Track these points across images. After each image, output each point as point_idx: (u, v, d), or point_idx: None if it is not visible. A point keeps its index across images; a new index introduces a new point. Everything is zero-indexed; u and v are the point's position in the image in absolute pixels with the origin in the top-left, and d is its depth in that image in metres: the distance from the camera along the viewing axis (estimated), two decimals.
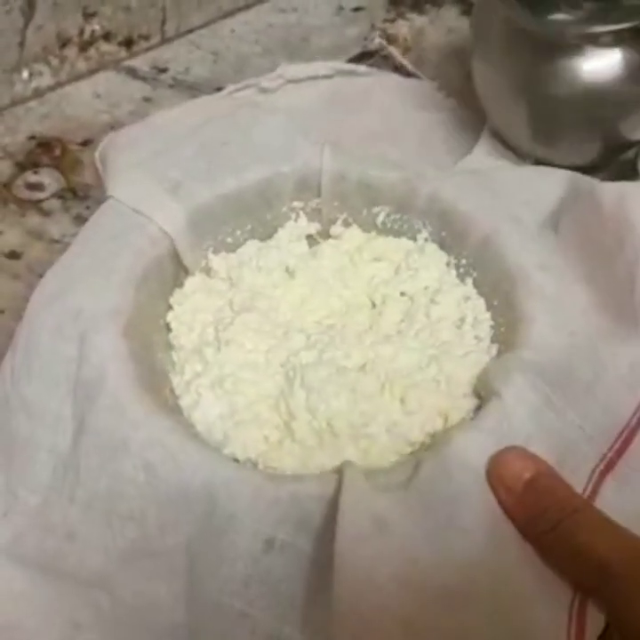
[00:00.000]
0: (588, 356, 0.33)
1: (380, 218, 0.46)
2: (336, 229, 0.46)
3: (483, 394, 0.37)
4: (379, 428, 0.36)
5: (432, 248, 0.44)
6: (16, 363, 0.37)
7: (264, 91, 0.54)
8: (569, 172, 0.43)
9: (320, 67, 0.57)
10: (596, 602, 0.27)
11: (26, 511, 0.34)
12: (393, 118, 0.49)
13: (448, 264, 0.44)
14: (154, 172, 0.44)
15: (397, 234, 0.45)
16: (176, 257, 0.43)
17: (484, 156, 0.50)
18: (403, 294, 0.43)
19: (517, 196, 0.43)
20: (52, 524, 0.33)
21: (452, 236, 0.43)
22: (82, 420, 0.35)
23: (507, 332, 0.39)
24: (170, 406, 0.37)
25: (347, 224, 0.46)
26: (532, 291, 0.38)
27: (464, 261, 0.43)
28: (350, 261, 0.45)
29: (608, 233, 0.38)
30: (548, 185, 0.43)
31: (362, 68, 0.59)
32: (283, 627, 0.30)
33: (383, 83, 0.58)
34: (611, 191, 0.38)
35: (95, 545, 0.33)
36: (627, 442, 0.31)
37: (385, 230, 0.46)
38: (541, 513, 0.29)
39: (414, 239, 0.45)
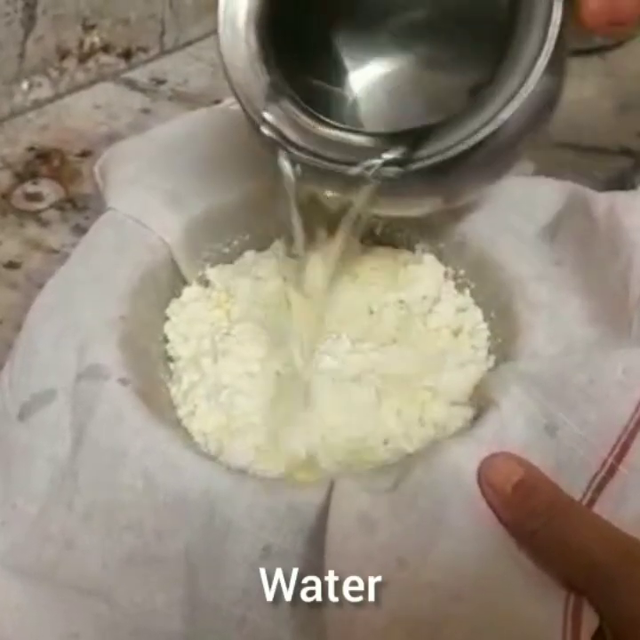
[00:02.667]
0: (583, 363, 0.34)
1: (378, 229, 0.46)
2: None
3: (480, 404, 0.37)
4: (375, 441, 0.36)
5: (430, 259, 0.44)
6: (15, 373, 0.37)
7: None
8: (565, 183, 0.43)
9: None
10: (589, 601, 0.27)
11: (24, 520, 0.34)
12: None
13: (445, 275, 0.44)
14: (153, 184, 0.44)
15: (395, 245, 0.46)
16: (174, 267, 0.43)
17: None
18: (401, 302, 0.43)
19: (514, 207, 0.43)
20: (51, 533, 0.33)
21: (449, 247, 0.44)
22: (81, 429, 0.35)
23: (504, 342, 0.39)
24: (167, 416, 0.38)
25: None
26: (528, 301, 0.39)
27: (462, 272, 0.43)
28: (348, 270, 0.45)
29: (601, 241, 0.38)
30: (545, 195, 0.43)
31: None
32: (282, 631, 0.30)
33: None
34: (604, 201, 0.39)
35: (94, 553, 0.33)
36: (625, 446, 0.31)
37: (383, 241, 0.46)
38: (529, 513, 0.29)
39: (412, 250, 0.45)
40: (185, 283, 0.44)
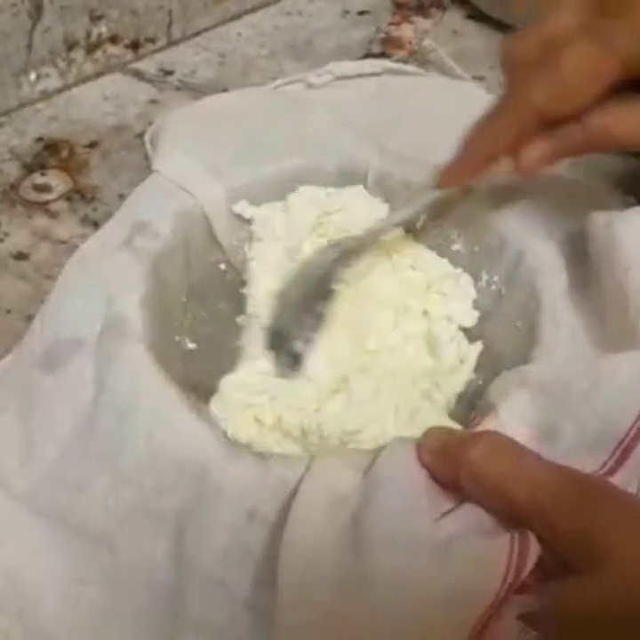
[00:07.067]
0: (586, 368, 0.34)
1: (420, 223, 0.45)
2: None
3: (482, 409, 0.37)
4: (368, 435, 0.37)
5: (467, 280, 0.44)
6: (46, 321, 0.39)
7: (312, 86, 0.55)
8: (608, 193, 0.43)
9: (368, 64, 0.57)
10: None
11: (43, 462, 0.35)
12: (439, 117, 0.49)
13: (477, 289, 0.43)
14: (199, 152, 0.45)
15: (433, 240, 0.45)
16: (210, 234, 0.44)
17: None
18: (425, 312, 0.43)
19: (555, 213, 0.43)
20: (66, 477, 0.35)
21: (485, 250, 0.44)
22: (101, 382, 0.36)
23: (524, 352, 0.39)
24: (179, 379, 0.38)
25: None
26: (552, 317, 0.39)
27: (496, 278, 0.43)
28: (388, 260, 0.44)
29: (601, 257, 0.38)
30: (582, 202, 0.42)
31: (409, 67, 0.59)
32: (259, 595, 0.31)
33: (430, 82, 0.58)
34: (601, 218, 0.39)
35: (101, 502, 0.34)
36: (627, 451, 0.31)
37: (422, 235, 0.46)
38: (458, 461, 0.29)
39: (448, 249, 0.45)
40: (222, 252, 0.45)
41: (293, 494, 0.30)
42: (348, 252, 0.42)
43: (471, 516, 0.28)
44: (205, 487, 0.32)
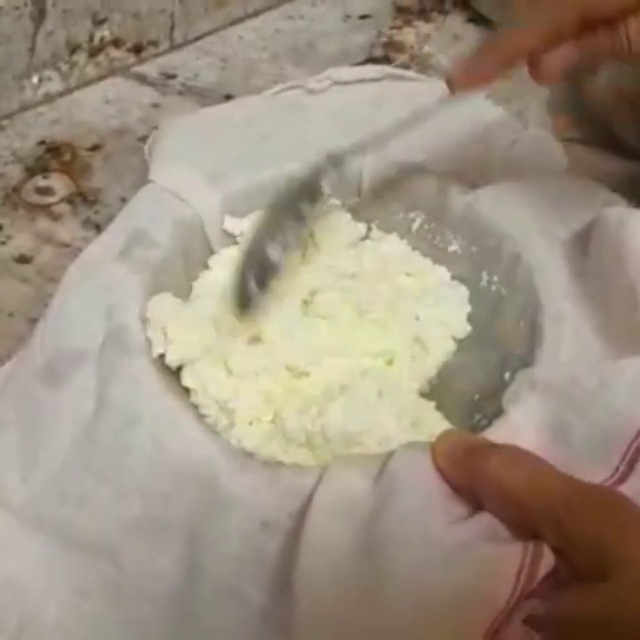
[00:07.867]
0: (594, 368, 0.34)
1: (416, 225, 0.46)
2: (376, 233, 0.46)
3: (493, 411, 0.37)
4: (371, 441, 0.37)
5: (462, 292, 0.44)
6: (47, 334, 0.39)
7: (311, 91, 0.54)
8: (601, 189, 0.43)
9: (369, 70, 0.57)
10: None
11: (44, 475, 0.35)
12: (438, 123, 0.49)
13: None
14: (195, 160, 0.45)
15: (430, 243, 0.45)
16: (206, 242, 0.44)
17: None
18: (417, 319, 0.43)
19: (554, 211, 0.43)
20: (67, 490, 0.35)
21: (483, 251, 0.43)
22: (102, 393, 0.36)
23: (528, 352, 0.39)
24: (182, 387, 0.39)
25: (386, 230, 0.46)
26: (553, 314, 0.39)
27: (496, 278, 0.43)
28: (383, 267, 0.44)
29: (611, 254, 0.38)
30: (581, 200, 0.42)
31: (410, 72, 0.58)
32: (274, 604, 0.31)
33: (430, 88, 0.57)
34: (614, 214, 0.39)
35: (103, 514, 0.34)
36: (638, 451, 0.31)
37: (419, 238, 0.46)
38: (476, 467, 0.29)
39: (445, 250, 0.45)
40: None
41: (308, 502, 0.30)
42: (336, 160, 0.41)
43: (485, 523, 0.28)
44: (215, 496, 0.32)
